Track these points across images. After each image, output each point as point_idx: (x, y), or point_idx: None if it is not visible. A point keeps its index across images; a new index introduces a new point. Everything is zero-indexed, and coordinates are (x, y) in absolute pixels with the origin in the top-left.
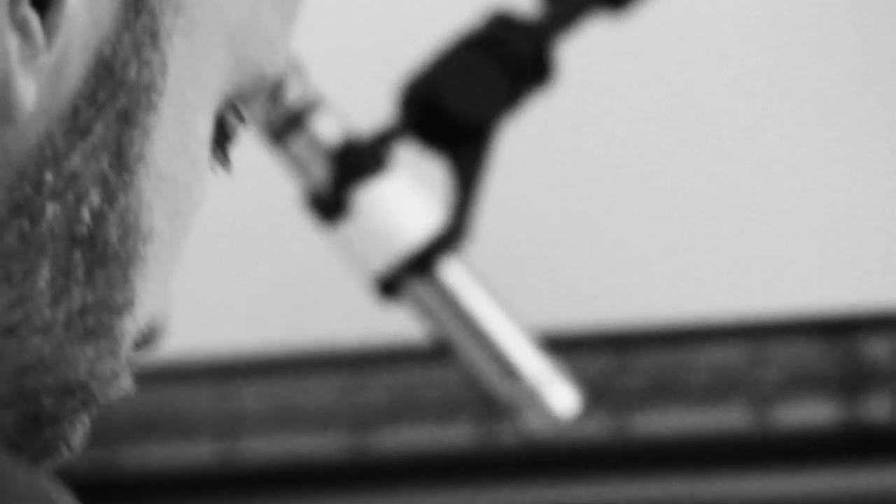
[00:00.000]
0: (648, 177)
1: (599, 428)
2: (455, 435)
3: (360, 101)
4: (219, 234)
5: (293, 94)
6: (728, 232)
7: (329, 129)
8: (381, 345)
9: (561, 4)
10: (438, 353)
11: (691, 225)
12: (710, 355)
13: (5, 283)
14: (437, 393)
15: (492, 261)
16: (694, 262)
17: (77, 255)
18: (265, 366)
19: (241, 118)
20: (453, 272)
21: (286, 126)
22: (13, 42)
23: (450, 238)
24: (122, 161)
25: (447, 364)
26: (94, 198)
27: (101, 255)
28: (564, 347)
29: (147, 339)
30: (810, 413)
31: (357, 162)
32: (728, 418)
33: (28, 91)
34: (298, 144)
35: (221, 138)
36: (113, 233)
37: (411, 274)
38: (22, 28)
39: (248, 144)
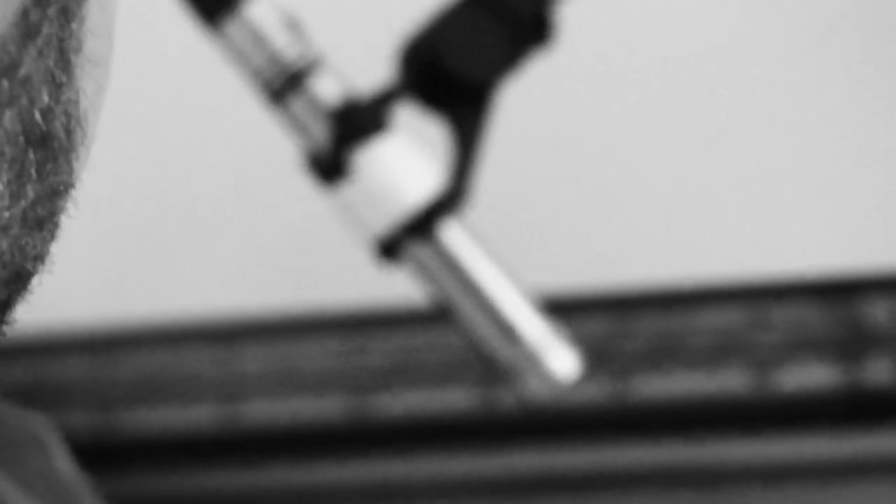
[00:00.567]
0: (648, 138)
1: (600, 391)
2: (455, 398)
3: (359, 60)
4: (216, 197)
5: (292, 54)
6: (728, 194)
7: (329, 88)
8: (381, 308)
9: None
10: (438, 316)
11: (691, 187)
12: (711, 318)
13: None
14: (437, 356)
15: (492, 223)
16: (694, 224)
17: (30, 156)
18: (265, 329)
19: None
20: (453, 234)
21: (285, 86)
22: None
23: (450, 200)
24: (64, 56)
25: (447, 327)
26: (45, 97)
27: (50, 151)
28: (565, 311)
29: None
30: (811, 376)
31: (357, 122)
32: (728, 381)
33: None
34: (297, 105)
35: None
36: (60, 127)
37: (411, 236)
38: None
39: (247, 105)
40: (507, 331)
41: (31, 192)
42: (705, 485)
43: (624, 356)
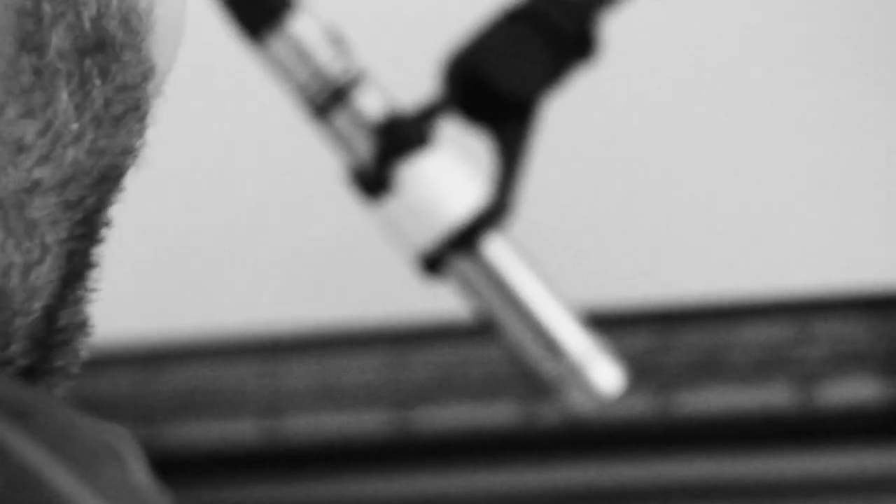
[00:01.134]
0: (694, 154)
1: (643, 406)
2: (498, 413)
3: (403, 75)
4: (259, 213)
5: (336, 69)
6: (773, 210)
7: (372, 103)
8: (425, 322)
9: None
10: (482, 330)
11: (736, 202)
12: (755, 333)
13: (29, 118)
14: (480, 371)
15: (536, 238)
16: (738, 239)
17: (89, 63)
18: (308, 343)
19: None
20: (497, 249)
21: (329, 101)
22: None
23: (494, 214)
24: None
25: (491, 341)
26: (92, 5)
27: (111, 53)
28: (608, 325)
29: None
30: (855, 391)
31: (400, 137)
32: (772, 396)
33: None
34: (341, 119)
35: None
36: (117, 26)
37: (455, 251)
38: None
39: (292, 118)
40: (550, 345)
41: (99, 96)
42: (749, 499)
43: (667, 370)
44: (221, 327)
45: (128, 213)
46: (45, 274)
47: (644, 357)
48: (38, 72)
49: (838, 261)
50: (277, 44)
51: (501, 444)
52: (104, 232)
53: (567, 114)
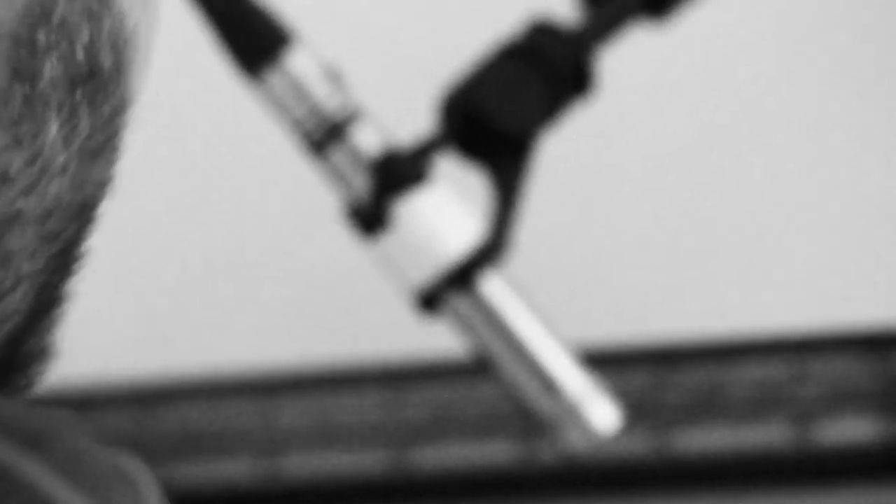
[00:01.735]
0: (689, 193)
1: (640, 445)
2: (495, 451)
3: (400, 111)
4: (255, 251)
5: (333, 105)
6: (768, 248)
7: (369, 139)
8: (421, 360)
9: (602, 13)
10: (478, 368)
11: (732, 241)
12: (751, 371)
13: (17, 148)
14: (477, 409)
15: (533, 275)
16: (734, 278)
17: (79, 94)
18: (305, 382)
19: None
20: (494, 286)
21: (326, 137)
22: None
23: (490, 251)
24: None
25: (487, 380)
26: (84, 33)
27: (99, 82)
28: (605, 363)
29: None
30: (852, 429)
31: (397, 174)
32: (769, 435)
33: None
34: (338, 155)
35: None
36: (106, 55)
37: (451, 288)
38: None
39: (288, 155)
40: (547, 383)
41: (85, 125)
42: None
43: (664, 409)
44: (218, 367)
45: (122, 252)
46: (16, 303)
47: (641, 395)
48: (28, 101)
49: (835, 300)
50: (274, 79)
51: (499, 482)
52: (77, 265)
53: (565, 151)
